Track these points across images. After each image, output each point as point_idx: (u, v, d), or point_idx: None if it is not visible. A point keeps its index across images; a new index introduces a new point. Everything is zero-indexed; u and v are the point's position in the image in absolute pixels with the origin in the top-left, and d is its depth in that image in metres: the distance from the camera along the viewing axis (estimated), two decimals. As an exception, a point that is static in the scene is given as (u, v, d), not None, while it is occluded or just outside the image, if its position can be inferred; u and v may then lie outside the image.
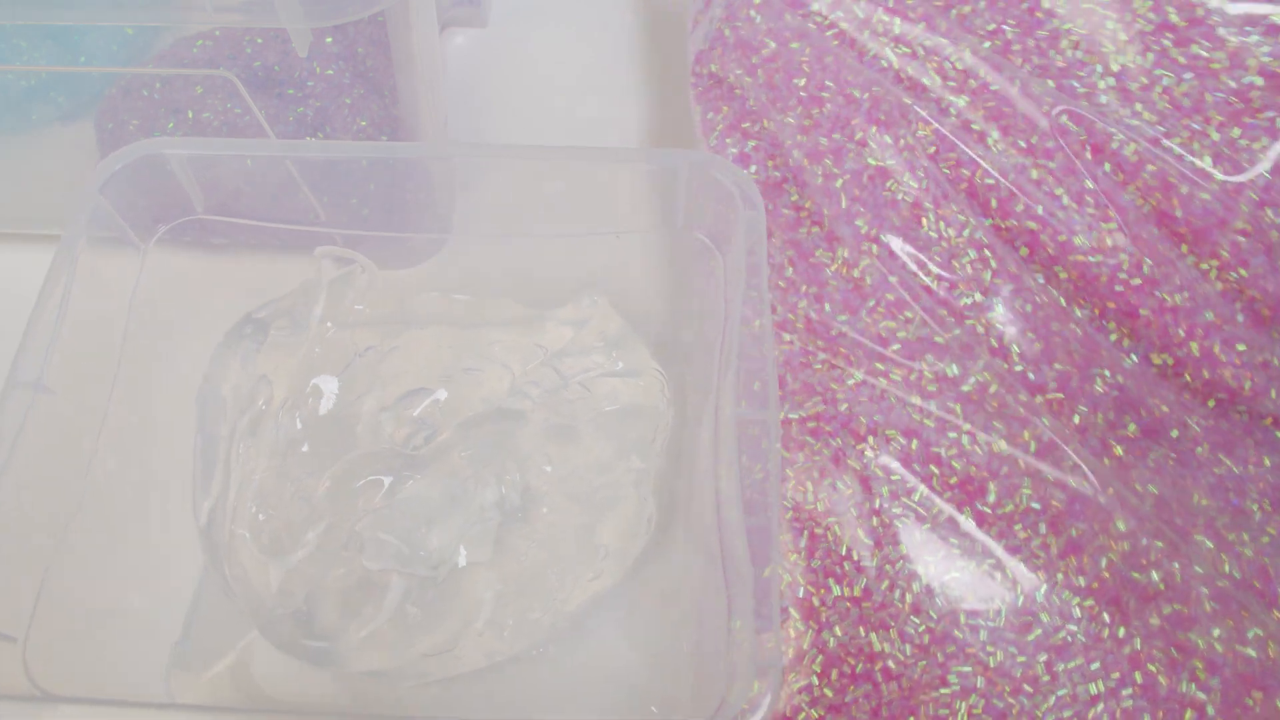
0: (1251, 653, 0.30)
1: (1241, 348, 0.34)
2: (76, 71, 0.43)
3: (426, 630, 0.33)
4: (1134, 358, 0.35)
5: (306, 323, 0.38)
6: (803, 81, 0.38)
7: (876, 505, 0.33)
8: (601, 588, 0.34)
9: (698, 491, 0.35)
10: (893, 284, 0.35)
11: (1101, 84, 0.36)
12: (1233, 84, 0.34)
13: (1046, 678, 0.30)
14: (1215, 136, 0.34)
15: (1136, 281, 0.34)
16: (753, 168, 0.38)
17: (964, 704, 0.30)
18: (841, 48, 0.38)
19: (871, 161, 0.36)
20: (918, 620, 0.31)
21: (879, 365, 0.34)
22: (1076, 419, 0.34)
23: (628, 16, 0.53)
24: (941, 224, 0.35)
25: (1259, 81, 0.34)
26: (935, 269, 0.35)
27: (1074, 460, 0.33)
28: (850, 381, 0.34)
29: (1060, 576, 0.31)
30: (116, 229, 0.35)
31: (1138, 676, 0.30)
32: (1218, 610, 0.31)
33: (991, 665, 0.31)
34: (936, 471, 0.33)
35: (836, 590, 0.32)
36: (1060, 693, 0.30)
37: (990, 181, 0.36)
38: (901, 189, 0.36)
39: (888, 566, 0.32)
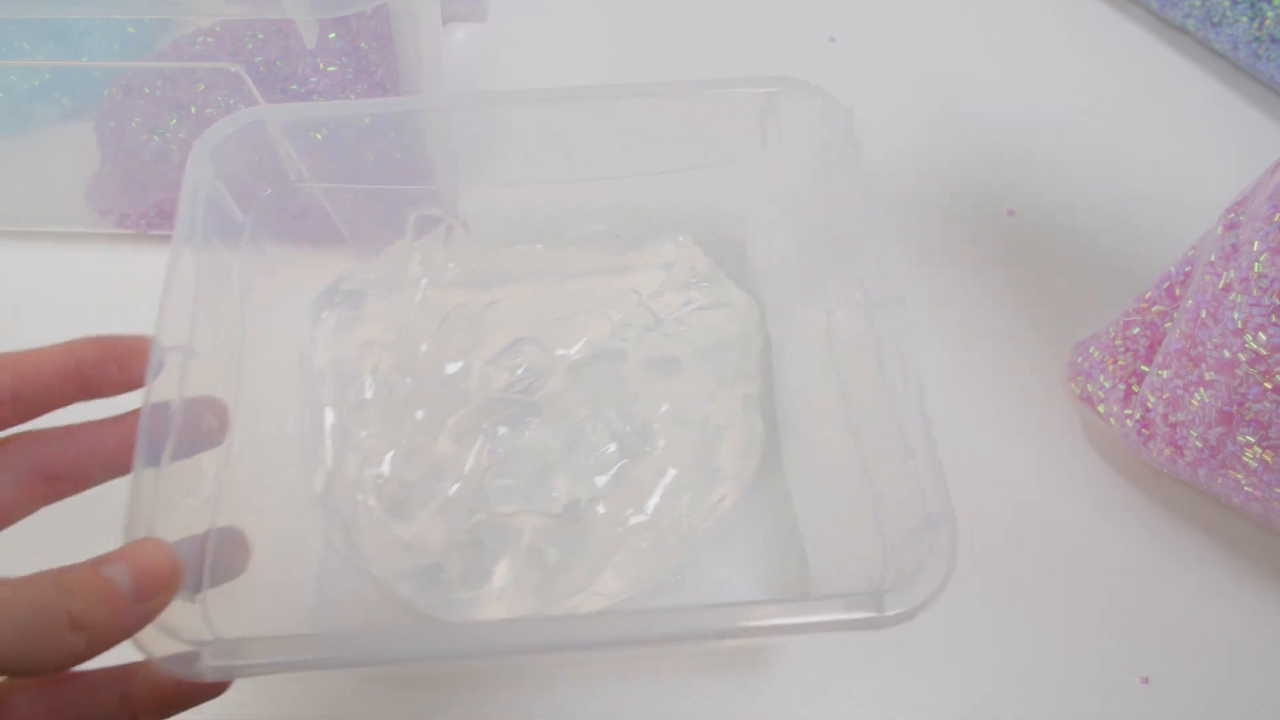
0: None
1: None
2: (82, 69, 0.43)
3: (566, 570, 0.34)
4: None
5: (403, 286, 0.39)
6: None
7: None
8: (727, 508, 0.35)
9: (801, 404, 0.36)
10: None
11: None
12: None
13: None
14: None
15: None
16: None
17: None
18: None
19: None
20: None
21: None
22: None
23: (627, 11, 0.53)
24: None
25: None
26: None
27: None
28: None
29: None
30: (219, 197, 0.34)
31: None
32: None
33: None
34: None
35: None
36: None
37: None
38: None
39: None
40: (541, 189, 0.38)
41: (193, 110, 0.40)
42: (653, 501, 0.35)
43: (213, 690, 0.26)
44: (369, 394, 0.37)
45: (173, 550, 0.24)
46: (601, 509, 0.35)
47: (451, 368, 0.38)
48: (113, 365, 0.27)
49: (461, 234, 0.39)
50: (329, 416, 0.37)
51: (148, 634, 0.24)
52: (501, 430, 0.36)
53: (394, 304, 0.39)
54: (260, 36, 0.41)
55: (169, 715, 0.25)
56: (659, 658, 0.35)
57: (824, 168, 0.34)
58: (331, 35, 0.41)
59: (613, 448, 0.36)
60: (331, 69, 0.41)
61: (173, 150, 0.40)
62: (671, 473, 0.36)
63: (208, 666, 0.24)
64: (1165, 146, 0.48)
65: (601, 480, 0.35)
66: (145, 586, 0.23)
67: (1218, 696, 0.34)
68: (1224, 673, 0.34)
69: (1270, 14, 0.47)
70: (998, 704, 0.34)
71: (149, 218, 0.42)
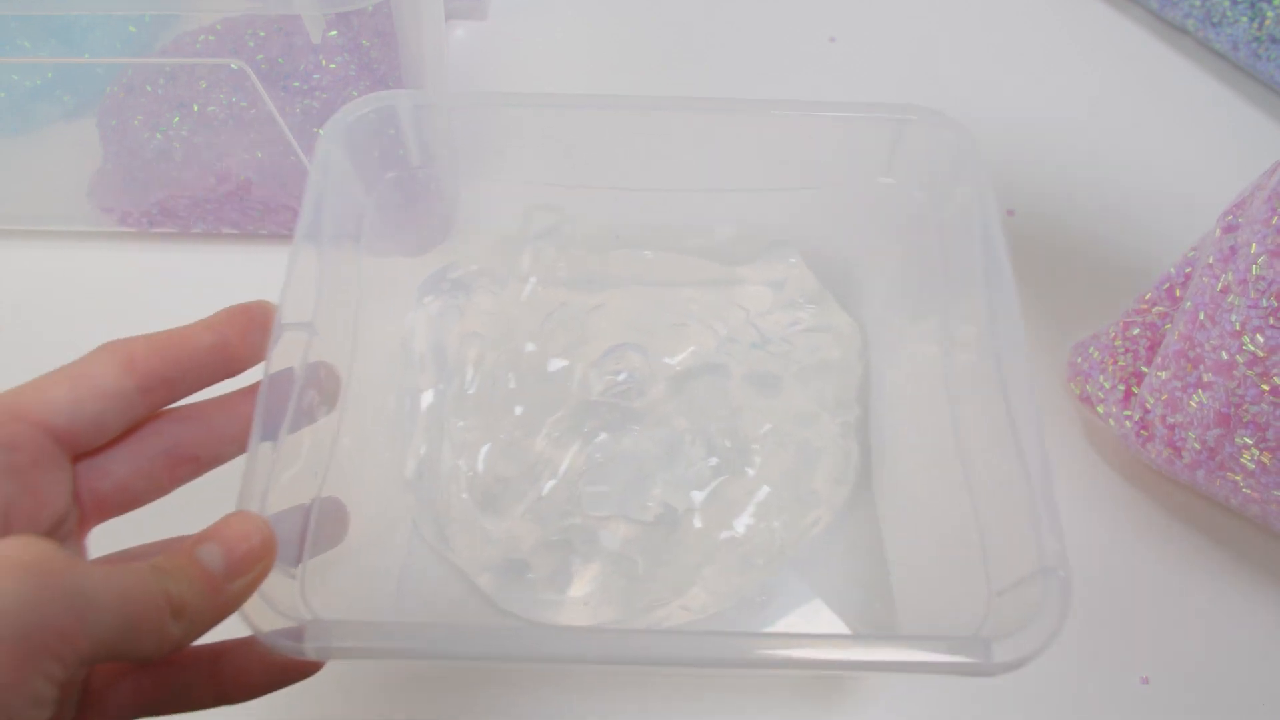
0: None
1: None
2: (84, 67, 0.43)
3: (654, 580, 0.34)
4: None
5: (510, 280, 0.39)
6: None
7: None
8: (819, 532, 0.35)
9: (900, 435, 0.36)
10: None
11: None
12: None
13: None
14: None
15: None
16: None
17: None
18: None
19: None
20: None
21: None
22: None
23: (627, 10, 0.53)
24: None
25: None
26: None
27: None
28: None
29: None
30: (346, 179, 0.34)
31: None
32: None
33: None
34: None
35: None
36: None
37: None
38: None
39: None
40: (649, 196, 0.37)
41: (195, 108, 0.40)
42: (746, 519, 0.35)
43: (306, 670, 0.25)
44: (470, 385, 0.37)
45: (265, 523, 0.23)
46: (697, 523, 0.35)
47: (554, 367, 0.38)
48: (257, 337, 0.27)
49: (569, 231, 0.39)
50: (426, 404, 0.37)
51: (253, 608, 0.23)
52: (601, 435, 0.36)
53: (500, 298, 0.39)
54: (261, 34, 0.41)
55: (258, 695, 0.25)
56: (743, 678, 0.35)
57: (948, 198, 0.34)
58: (333, 33, 0.41)
59: (712, 462, 0.36)
60: (333, 66, 0.41)
61: (175, 148, 0.40)
62: (766, 491, 0.35)
63: (311, 646, 0.24)
64: (1165, 146, 0.48)
65: (698, 494, 0.35)
66: (237, 564, 0.23)
67: (1218, 696, 0.34)
68: (1224, 673, 0.35)
69: (1270, 14, 0.47)
70: (997, 703, 0.34)
71: (151, 215, 0.42)
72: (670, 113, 0.35)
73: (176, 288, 0.42)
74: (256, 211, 0.42)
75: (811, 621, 0.34)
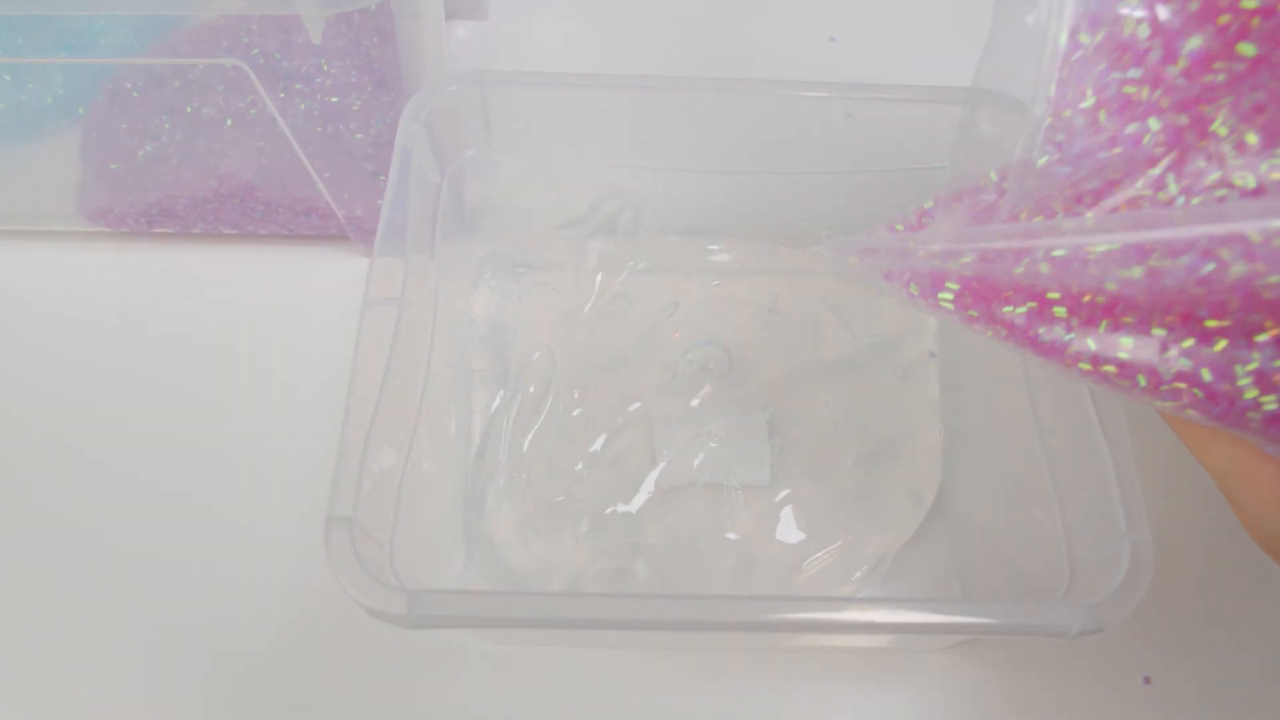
0: None
1: None
2: (84, 67, 0.42)
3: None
4: None
5: (574, 266, 0.39)
6: None
7: None
8: (915, 527, 0.35)
9: (969, 416, 0.37)
10: None
11: None
12: None
13: None
14: None
15: None
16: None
17: None
18: None
19: None
20: None
21: None
22: None
23: (627, 9, 0.53)
24: None
25: None
26: None
27: None
28: None
29: None
30: (425, 158, 0.34)
31: None
32: None
33: None
34: None
35: None
36: None
37: None
38: None
39: None
40: (711, 178, 0.38)
41: (188, 110, 0.40)
42: (835, 510, 0.35)
43: None
44: (532, 391, 0.37)
45: None
46: (780, 514, 0.35)
47: (623, 356, 0.37)
48: None
49: (634, 217, 0.39)
50: (481, 402, 0.37)
51: (356, 581, 0.24)
52: (677, 424, 0.36)
53: (563, 283, 0.39)
54: (261, 34, 0.41)
55: None
56: (801, 654, 0.35)
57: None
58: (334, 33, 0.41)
59: (801, 449, 0.36)
60: (333, 67, 0.41)
61: (172, 150, 0.40)
62: (851, 476, 0.36)
63: (416, 614, 0.24)
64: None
65: (785, 491, 0.35)
66: None
67: (1219, 697, 0.34)
68: (1226, 672, 0.35)
69: (1269, 15, 0.47)
70: (997, 703, 0.34)
71: (150, 216, 0.42)
72: (737, 96, 0.35)
73: (176, 288, 0.42)
74: (257, 212, 0.42)
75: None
